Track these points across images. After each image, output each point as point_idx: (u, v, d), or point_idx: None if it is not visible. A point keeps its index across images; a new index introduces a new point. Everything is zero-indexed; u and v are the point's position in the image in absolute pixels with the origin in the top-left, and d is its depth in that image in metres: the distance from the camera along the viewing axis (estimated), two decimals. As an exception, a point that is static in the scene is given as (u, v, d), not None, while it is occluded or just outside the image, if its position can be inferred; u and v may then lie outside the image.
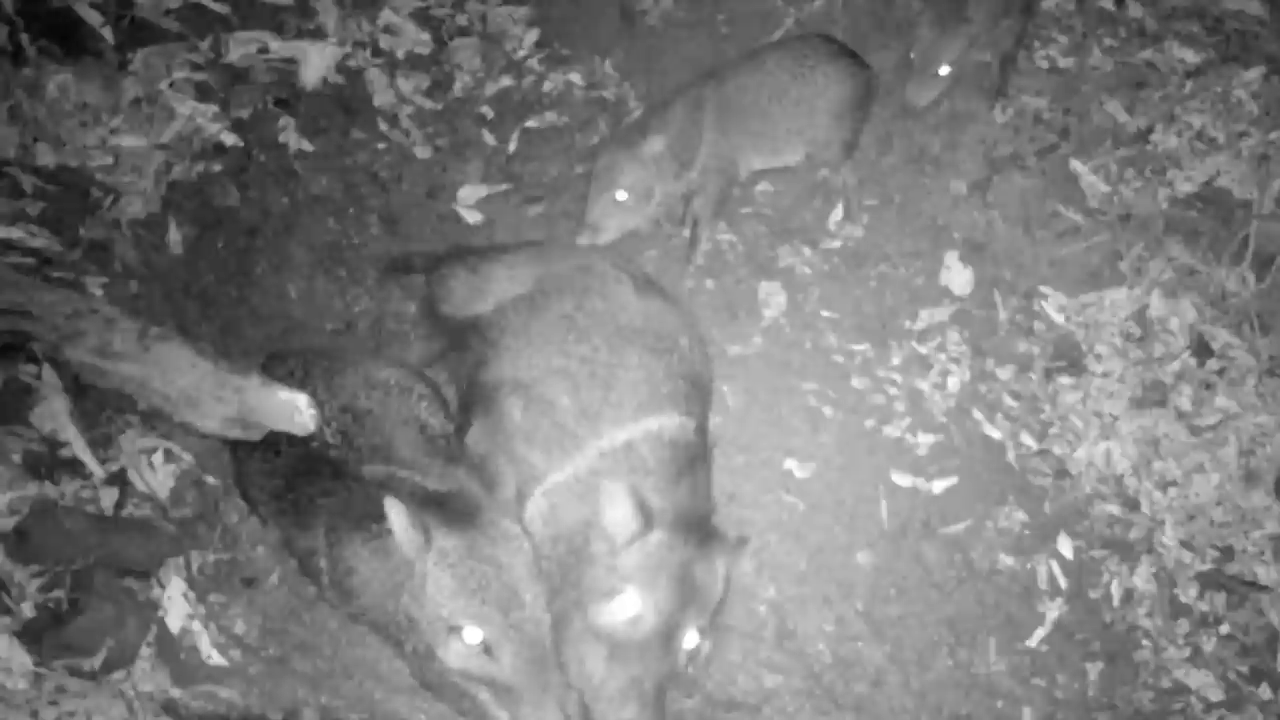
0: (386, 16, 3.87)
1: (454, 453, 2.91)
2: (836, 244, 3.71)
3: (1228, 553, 3.31)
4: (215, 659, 2.65)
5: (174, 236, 3.42)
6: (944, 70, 3.62)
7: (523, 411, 2.83)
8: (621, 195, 3.31)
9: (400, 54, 3.84)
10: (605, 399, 2.78)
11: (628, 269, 3.04)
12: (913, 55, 3.64)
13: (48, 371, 2.75)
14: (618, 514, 2.56)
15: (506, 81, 3.87)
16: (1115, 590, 3.27)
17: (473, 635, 2.43)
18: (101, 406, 2.83)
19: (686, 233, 3.62)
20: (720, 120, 3.47)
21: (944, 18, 3.59)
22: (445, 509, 2.53)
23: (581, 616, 2.59)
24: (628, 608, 2.53)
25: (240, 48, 3.70)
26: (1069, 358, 3.55)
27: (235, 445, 2.88)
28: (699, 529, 2.66)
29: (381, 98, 3.76)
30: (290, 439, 2.75)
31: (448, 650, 2.46)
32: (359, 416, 2.81)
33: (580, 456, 2.75)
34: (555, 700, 2.47)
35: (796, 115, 3.53)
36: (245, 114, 3.62)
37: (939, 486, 3.37)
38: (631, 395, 2.78)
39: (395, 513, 2.42)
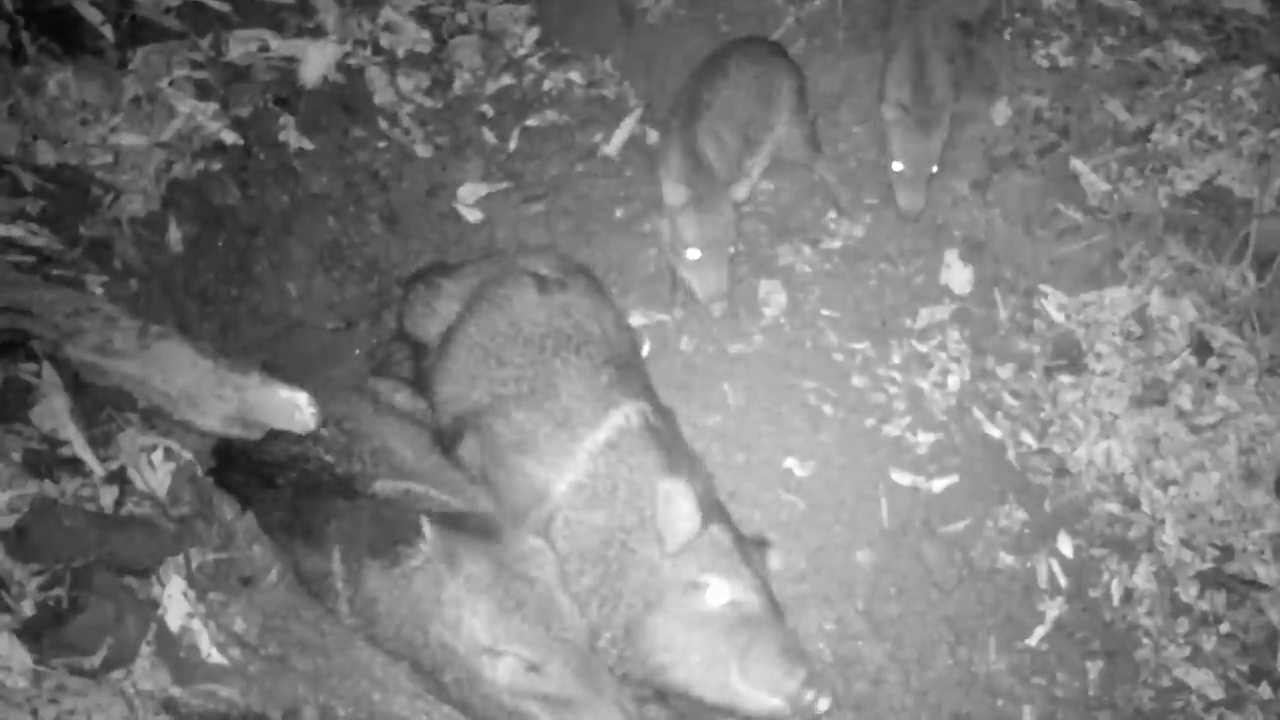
0: (387, 15, 3.87)
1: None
2: (836, 243, 3.71)
3: (1228, 551, 3.31)
4: (215, 657, 2.64)
5: (174, 235, 3.42)
6: (934, 169, 3.62)
7: (507, 427, 2.85)
8: (694, 254, 3.36)
9: (401, 52, 3.84)
10: (563, 406, 2.81)
11: (533, 266, 3.05)
12: (898, 167, 3.58)
13: (48, 370, 2.75)
14: (681, 511, 2.57)
15: (507, 80, 3.87)
16: (1115, 589, 3.27)
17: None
18: (101, 405, 2.82)
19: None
20: (722, 135, 3.47)
21: (925, 122, 3.55)
22: (469, 530, 2.52)
23: (662, 617, 2.59)
24: (721, 596, 2.55)
25: (240, 46, 3.69)
26: (1069, 356, 3.55)
27: (238, 483, 2.89)
28: (727, 516, 2.71)
29: (382, 96, 3.76)
30: (285, 467, 2.75)
31: (494, 672, 2.44)
32: (338, 422, 2.82)
33: (573, 462, 2.76)
34: (612, 702, 2.45)
35: (767, 111, 3.57)
36: (245, 112, 3.62)
37: (939, 485, 3.37)
38: (580, 398, 2.81)
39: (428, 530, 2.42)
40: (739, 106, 3.52)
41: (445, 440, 2.99)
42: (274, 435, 2.81)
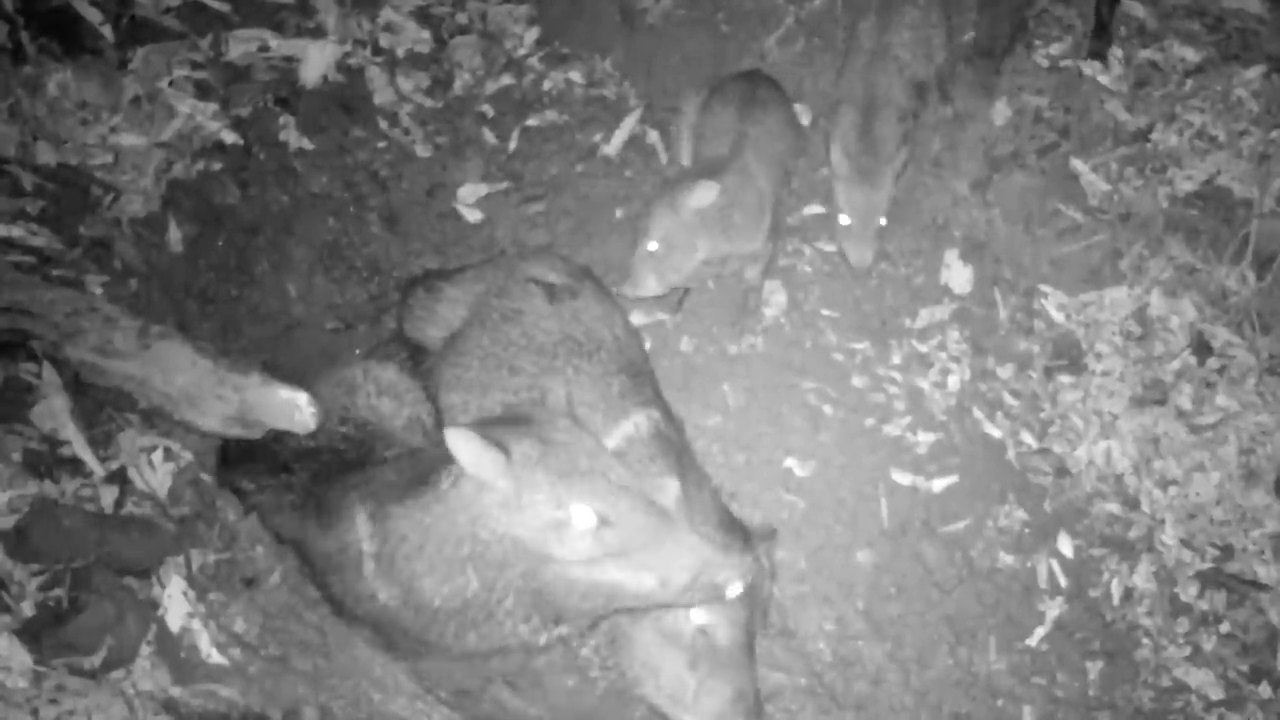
0: (387, 15, 3.87)
1: None
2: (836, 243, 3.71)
3: (1228, 551, 3.31)
4: (215, 658, 2.64)
5: (174, 235, 3.42)
6: (883, 221, 3.45)
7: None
8: (652, 246, 3.20)
9: (400, 52, 3.84)
10: (576, 415, 2.79)
11: (542, 275, 3.03)
12: (845, 220, 3.44)
13: (48, 370, 2.75)
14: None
15: (507, 80, 3.87)
16: (1115, 589, 3.27)
17: (583, 515, 2.31)
18: (101, 405, 2.83)
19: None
20: (770, 176, 3.42)
21: (871, 174, 3.41)
22: (504, 423, 2.46)
23: (641, 631, 2.58)
24: (697, 617, 2.54)
25: (240, 46, 3.70)
26: (1069, 356, 3.55)
27: (246, 474, 2.87)
28: (734, 527, 2.69)
29: (382, 96, 3.76)
30: (300, 458, 2.74)
31: (564, 545, 2.33)
32: (360, 426, 2.81)
33: None
34: (692, 532, 2.36)
35: (795, 140, 3.57)
36: (245, 112, 3.62)
37: (939, 485, 3.37)
38: (591, 406, 2.80)
39: (463, 439, 2.29)
40: (780, 140, 3.48)
41: None
42: (284, 436, 2.80)
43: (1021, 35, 3.88)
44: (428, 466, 2.54)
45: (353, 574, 2.62)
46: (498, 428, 2.42)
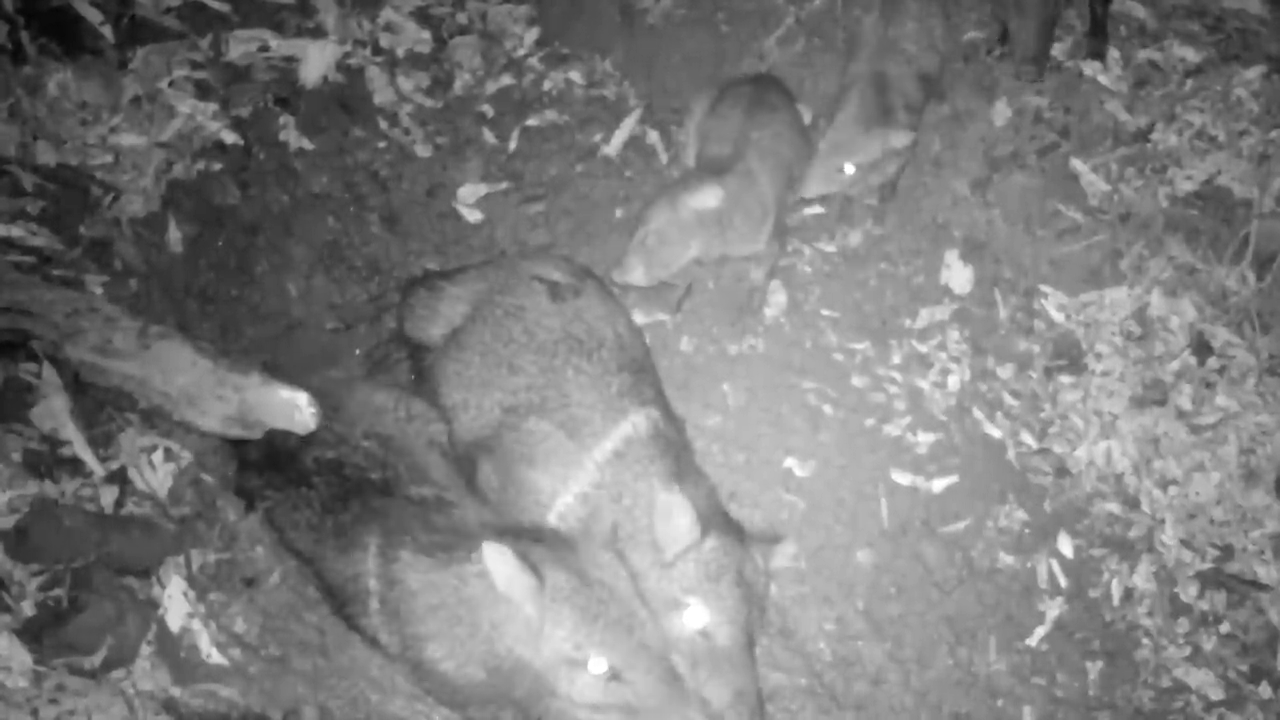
0: (387, 15, 3.87)
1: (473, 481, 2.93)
2: (836, 244, 3.71)
3: (1228, 551, 3.31)
4: (215, 658, 2.64)
5: (174, 235, 3.42)
6: (849, 169, 3.37)
7: (518, 441, 2.85)
8: (646, 237, 3.22)
9: (400, 52, 3.85)
10: (572, 415, 2.80)
11: (544, 273, 3.04)
12: (821, 144, 3.40)
13: (48, 370, 2.75)
14: (679, 524, 2.57)
15: (507, 80, 3.87)
16: (1115, 589, 3.27)
17: (598, 665, 2.38)
18: (101, 405, 2.82)
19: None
20: (774, 180, 3.41)
21: (869, 116, 3.38)
22: (543, 543, 2.51)
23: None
24: (697, 619, 2.56)
25: (240, 46, 3.70)
26: (1069, 356, 3.55)
27: (260, 485, 2.87)
28: (735, 526, 2.69)
29: (382, 96, 3.77)
30: (323, 470, 2.75)
31: (573, 685, 2.40)
32: (385, 441, 2.81)
33: (581, 473, 2.77)
34: (693, 711, 2.43)
35: (802, 145, 3.55)
36: (245, 112, 3.62)
37: (939, 485, 3.37)
38: (590, 407, 2.81)
39: (501, 558, 2.37)
40: (789, 144, 3.48)
41: (459, 458, 2.99)
42: (309, 442, 2.80)
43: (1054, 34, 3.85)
44: (455, 533, 2.58)
45: (359, 607, 2.67)
46: (538, 548, 2.46)
